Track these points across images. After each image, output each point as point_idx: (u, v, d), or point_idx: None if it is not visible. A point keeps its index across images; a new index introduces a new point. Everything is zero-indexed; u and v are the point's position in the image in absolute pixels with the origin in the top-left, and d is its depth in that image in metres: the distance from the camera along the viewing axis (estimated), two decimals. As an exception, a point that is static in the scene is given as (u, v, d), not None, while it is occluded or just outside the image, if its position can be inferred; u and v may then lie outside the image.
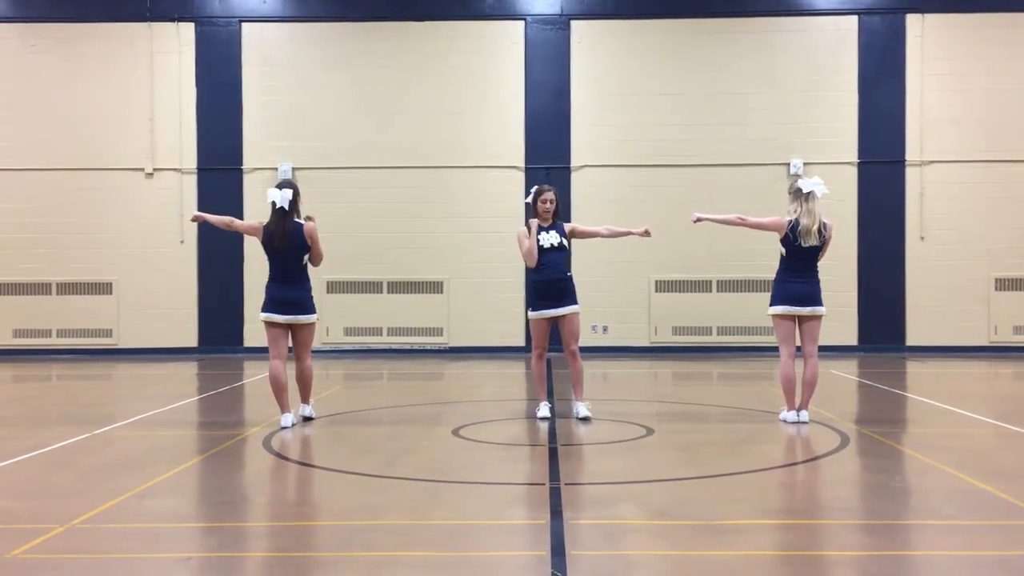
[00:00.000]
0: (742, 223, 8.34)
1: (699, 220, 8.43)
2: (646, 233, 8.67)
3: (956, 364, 13.94)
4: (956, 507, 5.27)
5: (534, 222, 8.39)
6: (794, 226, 7.94)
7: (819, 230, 7.92)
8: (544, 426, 8.01)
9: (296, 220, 7.95)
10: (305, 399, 8.34)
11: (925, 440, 7.56)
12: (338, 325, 15.52)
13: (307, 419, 8.31)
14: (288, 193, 7.90)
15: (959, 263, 15.42)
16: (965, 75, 15.43)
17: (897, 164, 15.51)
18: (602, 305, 15.04)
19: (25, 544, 4.53)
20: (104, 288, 15.68)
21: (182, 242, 15.63)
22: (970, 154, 15.45)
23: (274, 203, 7.89)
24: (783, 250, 8.07)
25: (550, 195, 8.40)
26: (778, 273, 8.16)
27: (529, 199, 8.51)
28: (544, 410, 8.38)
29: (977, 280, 15.43)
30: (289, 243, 7.87)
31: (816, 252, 8.03)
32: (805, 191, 7.94)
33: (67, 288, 15.68)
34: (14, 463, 6.55)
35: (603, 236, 8.93)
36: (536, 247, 8.27)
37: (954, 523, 4.95)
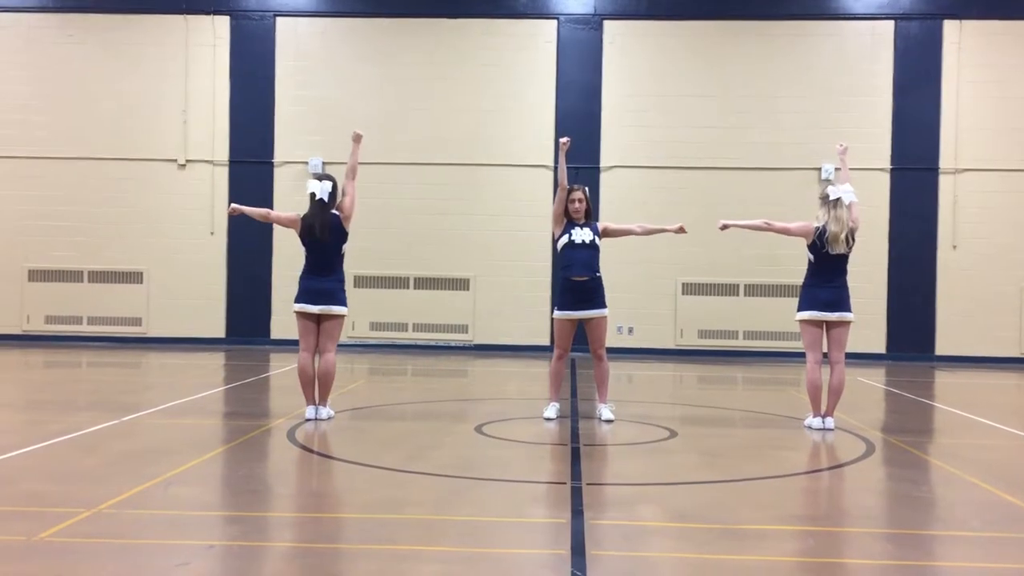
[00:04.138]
0: (769, 228, 8.30)
1: (725, 227, 8.40)
2: (681, 230, 8.55)
3: (985, 374, 13.78)
4: (982, 519, 5.21)
5: (565, 139, 8.56)
6: (821, 232, 7.90)
7: (847, 238, 7.87)
8: (565, 426, 8.01)
9: (333, 212, 8.01)
10: (323, 399, 8.09)
11: (952, 450, 7.48)
12: (364, 320, 15.59)
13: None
14: (328, 184, 8.00)
15: (991, 273, 15.24)
16: (1003, 83, 15.24)
17: (931, 172, 15.35)
18: (628, 306, 15.00)
19: (53, 527, 4.60)
20: (135, 277, 15.85)
21: (212, 233, 15.77)
22: (1006, 163, 15.27)
23: (313, 194, 7.97)
24: (811, 256, 8.03)
25: (579, 194, 8.29)
26: (806, 279, 8.12)
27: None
28: (551, 411, 8.29)
29: (1009, 290, 15.24)
30: (328, 234, 7.93)
31: (845, 259, 7.98)
32: (832, 198, 7.89)
33: (99, 276, 15.87)
34: (44, 447, 6.65)
35: (637, 234, 8.77)
36: (565, 167, 8.36)
37: (979, 535, 4.90)
